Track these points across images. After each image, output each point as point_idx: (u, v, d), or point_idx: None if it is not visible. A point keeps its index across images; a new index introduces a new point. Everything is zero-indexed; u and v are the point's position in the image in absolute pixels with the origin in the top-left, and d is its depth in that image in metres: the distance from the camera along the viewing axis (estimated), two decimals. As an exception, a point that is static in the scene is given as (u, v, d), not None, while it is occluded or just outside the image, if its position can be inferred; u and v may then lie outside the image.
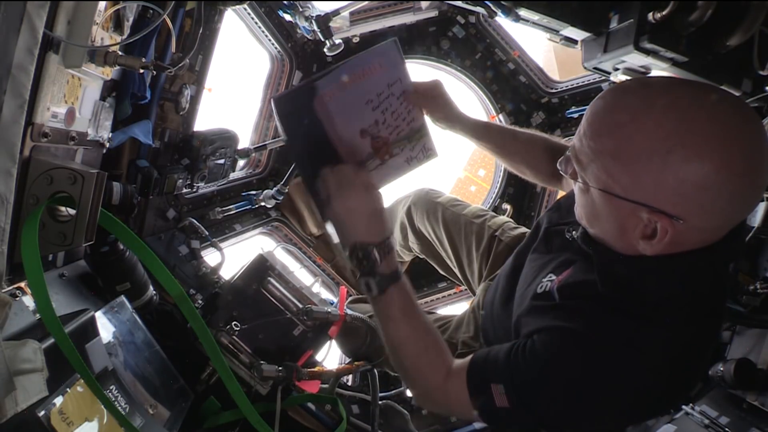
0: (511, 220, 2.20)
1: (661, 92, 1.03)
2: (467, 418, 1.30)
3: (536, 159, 1.69)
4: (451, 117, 1.61)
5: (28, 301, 1.10)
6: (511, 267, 1.59)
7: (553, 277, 1.28)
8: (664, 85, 1.06)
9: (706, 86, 1.06)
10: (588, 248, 1.20)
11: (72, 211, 1.15)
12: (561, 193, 3.21)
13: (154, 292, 1.65)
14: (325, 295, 2.83)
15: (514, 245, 1.98)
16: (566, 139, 2.53)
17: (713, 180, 0.97)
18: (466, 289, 3.00)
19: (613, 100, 1.08)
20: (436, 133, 1.68)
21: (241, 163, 2.47)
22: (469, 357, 1.26)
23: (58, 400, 0.99)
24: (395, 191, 2.61)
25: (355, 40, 2.59)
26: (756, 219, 1.75)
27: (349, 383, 2.13)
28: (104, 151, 1.49)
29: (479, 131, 1.66)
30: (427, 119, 1.61)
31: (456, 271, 2.23)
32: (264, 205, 2.59)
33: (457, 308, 3.10)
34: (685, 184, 0.98)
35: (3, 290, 0.92)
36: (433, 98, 1.56)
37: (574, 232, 1.29)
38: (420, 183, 2.44)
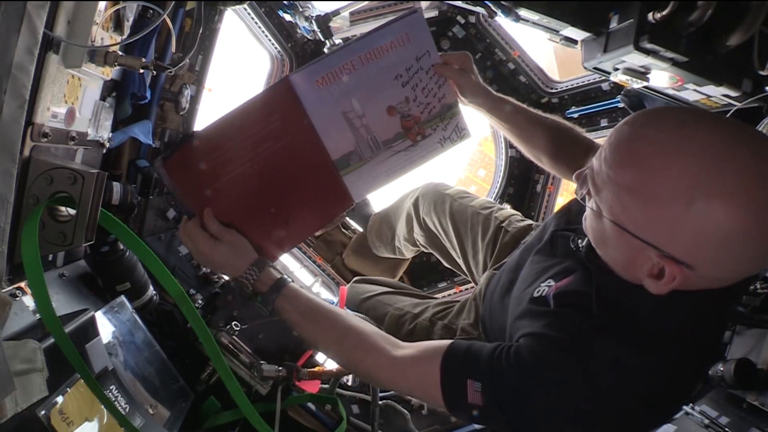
0: (518, 213, 2.19)
1: (695, 133, 0.94)
2: (427, 402, 1.31)
3: (556, 148, 1.63)
4: (479, 91, 1.54)
5: (28, 301, 1.10)
6: (515, 262, 1.58)
7: (552, 283, 1.27)
8: (700, 125, 0.96)
9: (747, 132, 0.96)
10: (591, 264, 1.17)
11: (72, 211, 1.15)
12: (562, 193, 3.22)
13: (154, 292, 1.65)
14: (325, 295, 2.84)
15: (520, 236, 1.98)
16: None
17: (733, 238, 0.91)
18: (466, 289, 3.01)
19: (641, 130, 1.00)
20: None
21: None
22: (444, 342, 1.24)
23: (58, 400, 0.99)
24: (400, 190, 2.62)
25: (356, 40, 2.59)
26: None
27: (349, 383, 2.12)
28: (104, 151, 1.49)
29: (503, 110, 1.61)
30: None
31: (460, 262, 2.23)
32: (264, 205, 2.59)
33: (457, 308, 3.10)
34: (703, 236, 0.93)
35: (3, 290, 0.92)
36: (463, 70, 1.51)
37: (580, 241, 1.27)
38: (427, 178, 2.46)
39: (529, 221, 2.10)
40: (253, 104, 1.33)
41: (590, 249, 1.17)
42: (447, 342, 1.24)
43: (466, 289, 3.02)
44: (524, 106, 1.65)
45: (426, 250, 2.49)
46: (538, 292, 1.28)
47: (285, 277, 1.37)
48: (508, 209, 2.21)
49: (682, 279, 0.99)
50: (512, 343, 1.17)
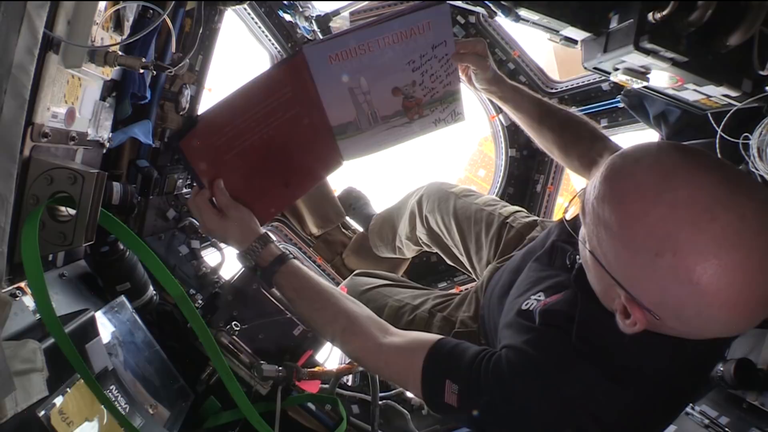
0: (524, 209, 2.18)
1: (681, 185, 0.88)
2: (408, 391, 1.36)
3: (567, 142, 1.61)
4: (493, 77, 1.57)
5: (28, 301, 1.10)
6: (516, 264, 1.58)
7: (542, 297, 1.26)
8: (689, 176, 0.89)
9: (739, 192, 0.86)
10: (578, 287, 1.14)
11: (72, 211, 1.14)
12: (562, 193, 3.22)
13: (154, 292, 1.65)
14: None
15: (525, 232, 1.98)
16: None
17: (697, 300, 0.87)
18: (466, 290, 3.01)
19: (631, 167, 0.95)
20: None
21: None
22: (432, 337, 1.25)
23: (58, 400, 0.99)
24: (403, 190, 2.62)
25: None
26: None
27: (349, 383, 2.12)
28: (104, 151, 1.49)
29: (516, 98, 1.60)
30: (462, 82, 1.60)
31: (463, 259, 2.23)
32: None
33: (457, 308, 3.09)
34: (666, 291, 0.90)
35: (3, 290, 0.92)
36: (478, 55, 1.52)
37: (578, 257, 1.25)
38: (431, 178, 2.46)
39: (535, 217, 2.09)
40: (267, 77, 1.39)
41: (581, 271, 1.14)
42: (435, 337, 1.26)
43: (466, 289, 3.02)
44: (538, 96, 1.65)
45: (428, 249, 2.49)
46: (526, 304, 1.27)
47: (287, 253, 1.40)
48: (513, 206, 2.20)
49: (646, 324, 0.96)
50: (495, 351, 1.18)
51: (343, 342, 1.35)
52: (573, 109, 2.89)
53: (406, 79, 1.49)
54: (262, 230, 1.42)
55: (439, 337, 1.26)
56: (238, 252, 1.42)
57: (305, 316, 1.40)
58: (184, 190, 2.03)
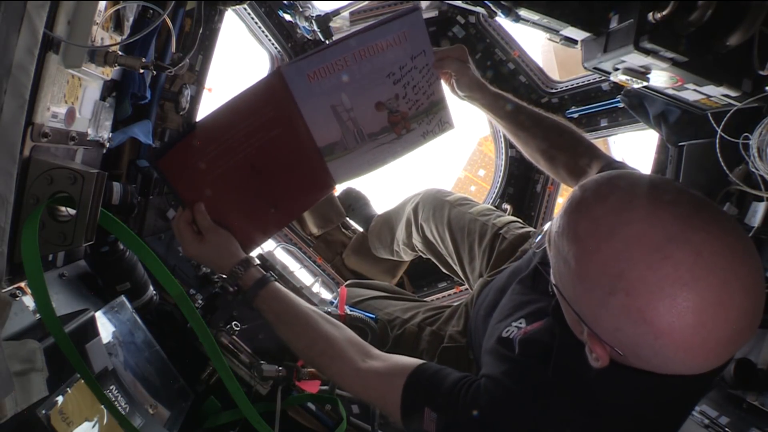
0: (518, 220, 2.18)
1: (634, 221, 0.84)
2: (387, 415, 1.34)
3: (553, 151, 1.56)
4: (474, 83, 1.53)
5: (28, 301, 1.10)
6: (502, 283, 1.56)
7: (523, 324, 1.25)
8: (643, 211, 0.85)
9: (695, 227, 0.82)
10: (556, 319, 1.09)
11: (72, 211, 1.15)
12: (562, 193, 3.22)
13: (154, 292, 1.65)
14: (325, 295, 2.84)
15: (518, 244, 1.96)
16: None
17: (649, 343, 0.84)
18: (466, 289, 3.01)
19: (588, 200, 0.92)
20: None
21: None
22: (412, 362, 1.24)
23: (58, 400, 0.99)
24: (404, 192, 2.62)
25: (355, 40, 2.59)
26: (756, 219, 1.75)
27: (349, 383, 2.13)
28: (104, 151, 1.49)
29: (499, 104, 1.56)
30: (446, 90, 1.56)
31: (457, 269, 2.22)
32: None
33: (457, 308, 3.10)
34: (620, 332, 0.86)
35: (3, 290, 0.92)
36: (459, 61, 1.50)
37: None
38: (430, 182, 2.46)
39: (529, 228, 2.08)
40: (247, 97, 1.35)
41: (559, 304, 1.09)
42: (415, 362, 1.25)
43: (466, 289, 3.02)
44: (523, 103, 1.61)
45: (424, 256, 2.49)
46: (507, 332, 1.26)
47: (267, 276, 1.38)
48: (507, 216, 2.19)
49: (608, 359, 0.93)
50: (475, 379, 1.17)
51: (322, 366, 1.33)
52: (572, 109, 2.92)
53: (389, 93, 1.47)
54: (243, 254, 1.39)
55: (420, 362, 1.25)
56: (220, 275, 1.41)
57: (286, 339, 1.36)
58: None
